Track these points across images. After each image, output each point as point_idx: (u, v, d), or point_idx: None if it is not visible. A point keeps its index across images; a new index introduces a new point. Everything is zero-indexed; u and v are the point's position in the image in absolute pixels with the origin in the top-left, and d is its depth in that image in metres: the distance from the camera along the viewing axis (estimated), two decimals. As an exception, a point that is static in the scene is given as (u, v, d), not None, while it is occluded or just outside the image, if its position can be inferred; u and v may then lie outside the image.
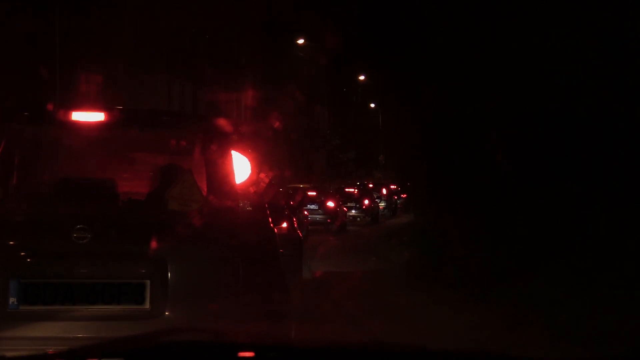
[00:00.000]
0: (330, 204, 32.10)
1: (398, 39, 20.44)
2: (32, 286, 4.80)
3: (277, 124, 26.34)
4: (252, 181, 5.15)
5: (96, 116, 5.31)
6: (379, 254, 20.98)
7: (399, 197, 46.30)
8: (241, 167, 5.12)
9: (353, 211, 37.91)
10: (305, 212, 25.21)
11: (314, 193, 31.69)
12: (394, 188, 45.95)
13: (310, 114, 49.52)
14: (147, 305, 4.82)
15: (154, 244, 4.90)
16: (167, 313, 4.81)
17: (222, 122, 5.37)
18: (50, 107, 5.47)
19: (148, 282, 4.84)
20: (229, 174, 5.14)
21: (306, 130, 47.07)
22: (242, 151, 5.15)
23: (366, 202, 39.45)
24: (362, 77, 53.01)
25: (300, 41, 46.50)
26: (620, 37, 12.49)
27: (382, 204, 43.18)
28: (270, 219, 5.28)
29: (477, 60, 15.63)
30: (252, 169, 5.14)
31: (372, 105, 56.00)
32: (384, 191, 45.19)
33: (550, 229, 12.87)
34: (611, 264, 10.86)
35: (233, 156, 5.15)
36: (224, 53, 38.46)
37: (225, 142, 5.23)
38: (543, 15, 13.40)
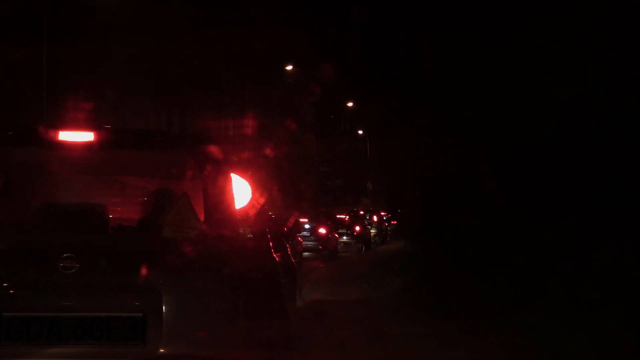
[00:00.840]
0: (322, 230, 32.12)
1: (391, 67, 20.41)
2: (14, 320, 4.45)
3: (267, 151, 26.20)
4: (252, 206, 4.83)
5: (85, 136, 4.98)
6: (372, 282, 20.79)
7: (389, 224, 46.42)
8: (241, 192, 4.79)
9: (344, 237, 38.16)
10: (299, 239, 25.05)
11: (306, 220, 31.68)
12: (383, 214, 46.14)
13: (300, 140, 49.49)
14: (139, 342, 4.46)
15: (147, 274, 4.52)
16: (161, 350, 4.45)
17: (221, 143, 5.02)
18: (36, 127, 5.13)
19: (141, 315, 4.48)
20: (229, 198, 4.80)
21: (295, 156, 47.01)
22: (242, 174, 4.82)
23: (357, 228, 39.63)
24: (350, 104, 53.10)
25: (289, 67, 46.53)
26: (617, 63, 12.36)
27: (373, 231, 43.35)
28: (272, 245, 4.96)
29: (470, 88, 15.54)
30: (252, 194, 4.82)
31: (360, 132, 56.11)
32: (375, 218, 45.39)
33: (548, 259, 12.67)
34: (614, 295, 10.63)
35: (233, 180, 4.82)
36: (212, 80, 38.38)
37: (224, 165, 4.89)
38: (537, 44, 13.29)
